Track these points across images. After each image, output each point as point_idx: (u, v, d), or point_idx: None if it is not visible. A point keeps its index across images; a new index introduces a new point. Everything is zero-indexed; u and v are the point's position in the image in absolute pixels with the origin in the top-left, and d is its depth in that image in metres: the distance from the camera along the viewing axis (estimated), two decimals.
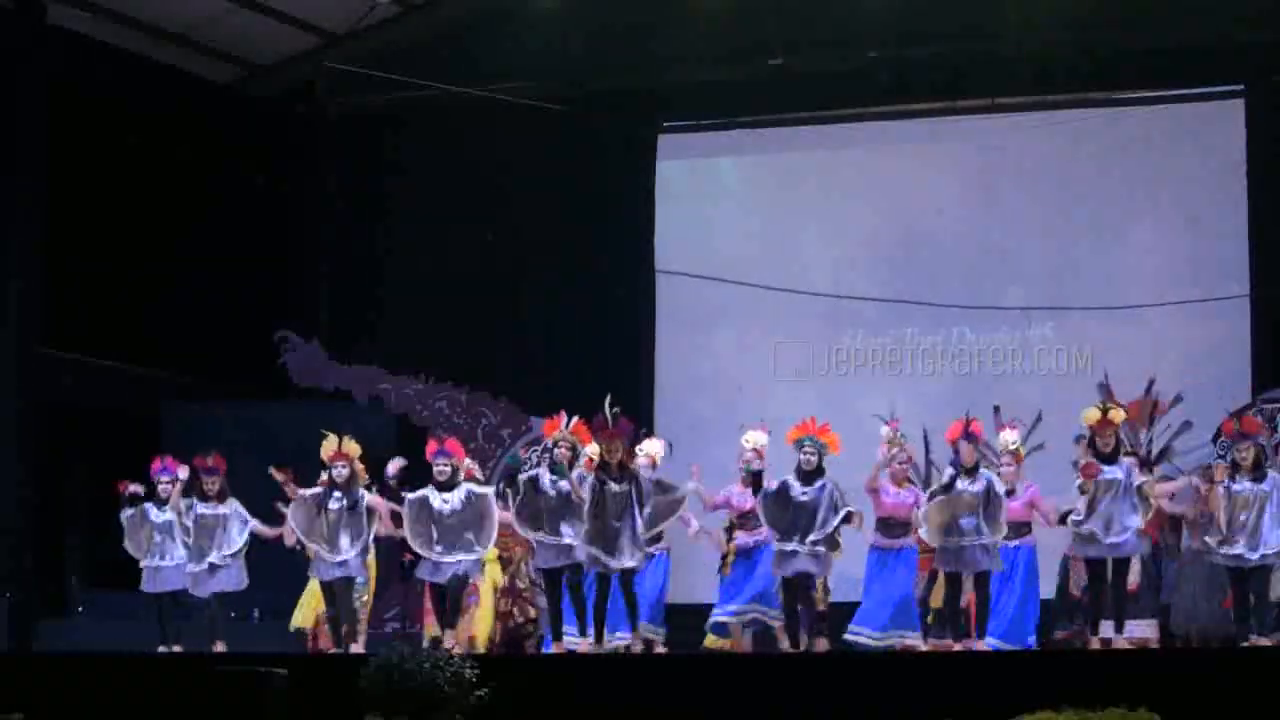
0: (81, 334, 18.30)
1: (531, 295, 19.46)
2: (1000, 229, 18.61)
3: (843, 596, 14.77)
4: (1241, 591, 13.15)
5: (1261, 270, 17.75)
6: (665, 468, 14.39)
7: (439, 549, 13.93)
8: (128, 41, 18.75)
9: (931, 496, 13.42)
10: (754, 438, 14.36)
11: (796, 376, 18.79)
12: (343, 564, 14.18)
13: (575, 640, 13.82)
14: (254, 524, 14.69)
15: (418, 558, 14.20)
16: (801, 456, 13.59)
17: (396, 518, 14.33)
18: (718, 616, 14.38)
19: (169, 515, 14.75)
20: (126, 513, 14.90)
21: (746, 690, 12.48)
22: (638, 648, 13.76)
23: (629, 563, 13.49)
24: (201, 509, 14.60)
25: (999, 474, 13.66)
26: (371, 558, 14.83)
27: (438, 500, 13.95)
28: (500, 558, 15.20)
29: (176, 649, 14.64)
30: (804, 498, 13.47)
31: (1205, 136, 18.11)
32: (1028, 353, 18.36)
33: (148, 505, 14.87)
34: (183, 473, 14.76)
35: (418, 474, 14.44)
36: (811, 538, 13.41)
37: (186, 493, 14.67)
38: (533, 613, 15.44)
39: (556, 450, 13.81)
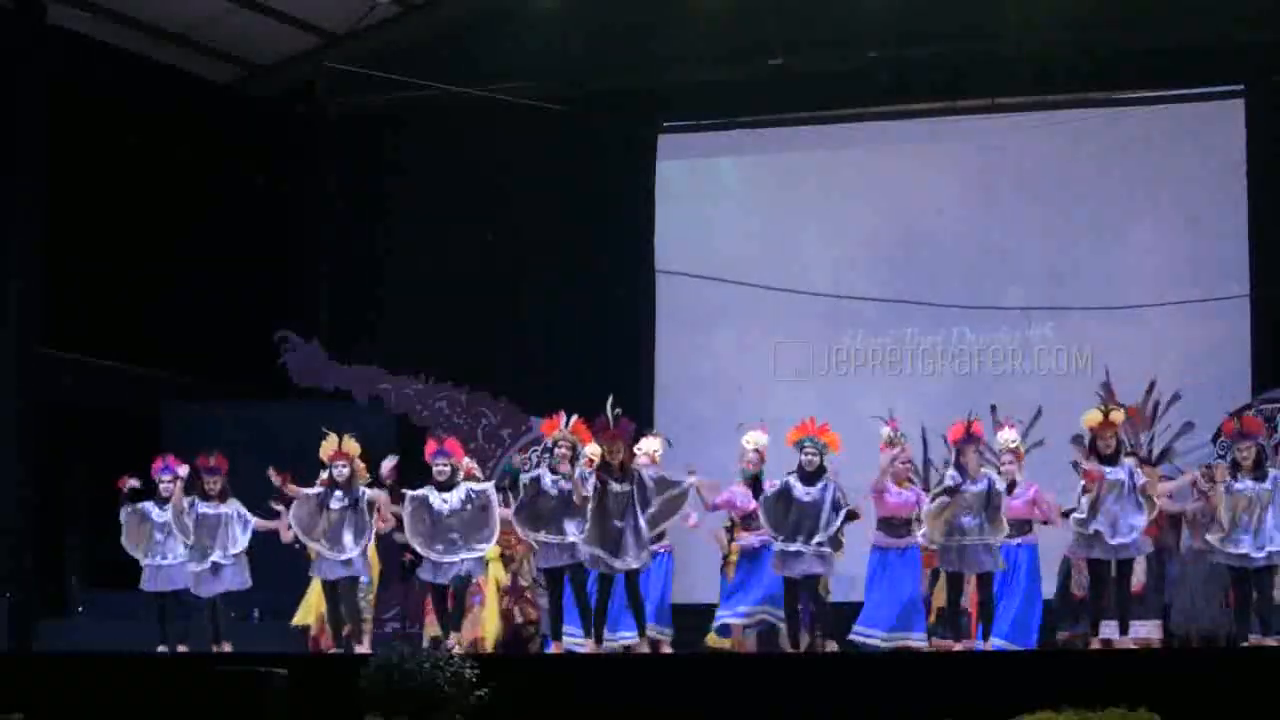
0: (81, 334, 18.30)
1: (531, 295, 19.45)
2: (1000, 229, 18.61)
3: (842, 596, 14.77)
4: (1243, 591, 13.14)
5: (1261, 270, 17.75)
6: (664, 467, 14.37)
7: (439, 549, 13.92)
8: (128, 41, 18.75)
9: (934, 499, 13.38)
10: (754, 438, 14.35)
11: (796, 376, 18.79)
12: (347, 563, 14.18)
13: (578, 641, 13.82)
14: (254, 522, 14.69)
15: (419, 558, 14.19)
16: (803, 457, 13.59)
17: (396, 517, 14.33)
18: (726, 619, 14.33)
19: (170, 514, 14.74)
20: (126, 509, 14.89)
21: (747, 690, 12.47)
22: (644, 648, 13.73)
23: (634, 563, 13.48)
24: (203, 508, 14.59)
25: (1000, 471, 13.64)
26: (374, 556, 14.83)
27: (437, 500, 13.94)
28: (503, 555, 15.19)
29: (182, 649, 14.63)
30: (807, 498, 13.46)
31: (1205, 136, 18.11)
32: (1028, 353, 18.36)
33: (149, 504, 14.86)
34: (183, 472, 14.75)
35: (417, 474, 14.42)
36: (817, 539, 13.40)
37: (187, 492, 14.66)
38: (533, 614, 15.42)
39: (557, 450, 13.79)
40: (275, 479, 14.42)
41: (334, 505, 14.17)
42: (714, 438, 17.09)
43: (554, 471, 13.71)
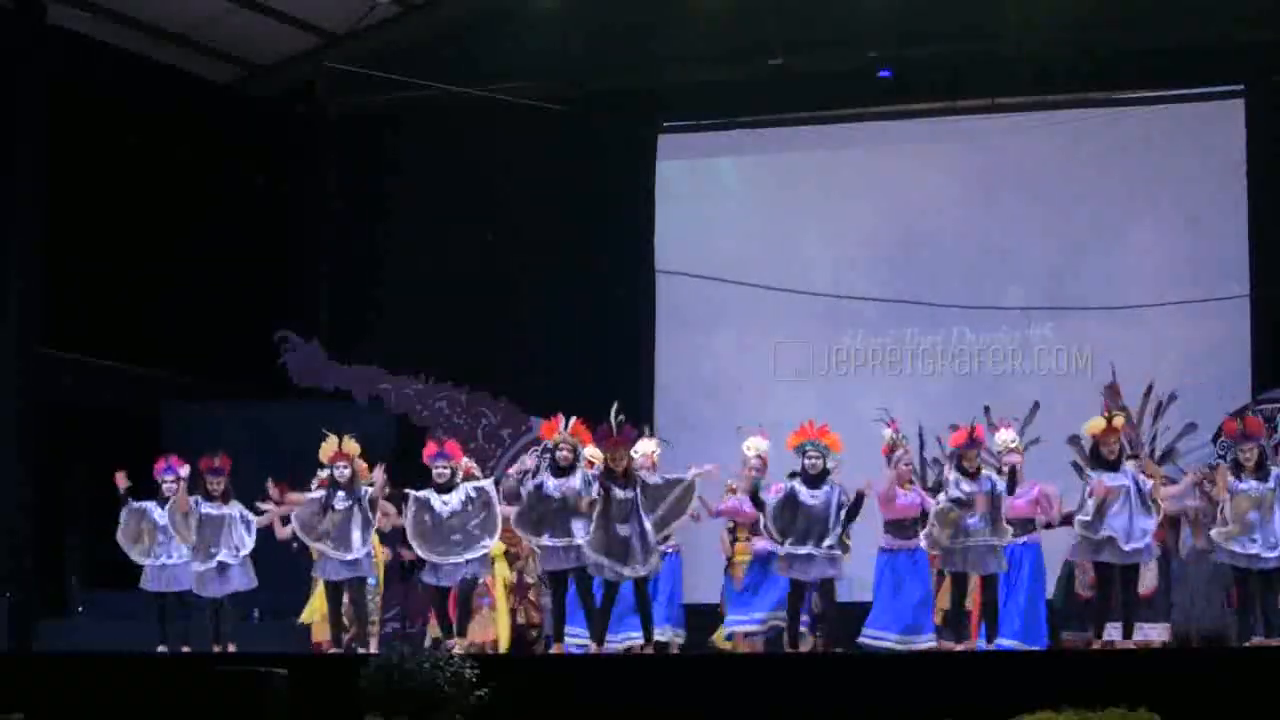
0: (81, 334, 18.31)
1: (531, 295, 19.45)
2: (1000, 229, 18.62)
3: (845, 596, 14.72)
4: (1248, 591, 13.14)
5: (1261, 270, 17.75)
6: (663, 467, 14.36)
7: (441, 551, 13.91)
8: (128, 41, 18.75)
9: (943, 510, 13.35)
10: (755, 444, 14.36)
11: (796, 376, 18.80)
12: (353, 563, 14.18)
13: (581, 641, 13.81)
14: (255, 520, 14.71)
15: (422, 562, 14.19)
16: (806, 461, 13.56)
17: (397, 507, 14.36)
18: (741, 625, 14.29)
19: (168, 515, 14.73)
20: (131, 506, 14.87)
21: (747, 691, 12.47)
22: (648, 650, 13.71)
23: (642, 570, 13.46)
24: (206, 509, 14.59)
25: (1000, 471, 13.62)
26: (380, 557, 14.83)
27: (438, 502, 13.93)
28: (507, 553, 15.15)
29: (185, 649, 14.63)
30: (813, 502, 13.45)
31: (1205, 136, 18.12)
32: (1028, 353, 18.37)
33: (150, 504, 14.86)
34: (184, 472, 14.74)
35: (417, 475, 14.42)
36: (828, 542, 13.40)
37: (190, 492, 14.65)
38: (536, 617, 15.38)
39: (558, 453, 13.78)
40: (273, 493, 14.45)
41: (338, 506, 14.17)
42: (714, 438, 17.11)
43: (556, 474, 13.69)
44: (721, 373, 19.11)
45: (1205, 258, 17.97)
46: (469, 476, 14.28)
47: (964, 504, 13.23)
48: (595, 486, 13.40)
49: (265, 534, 14.75)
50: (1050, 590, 14.51)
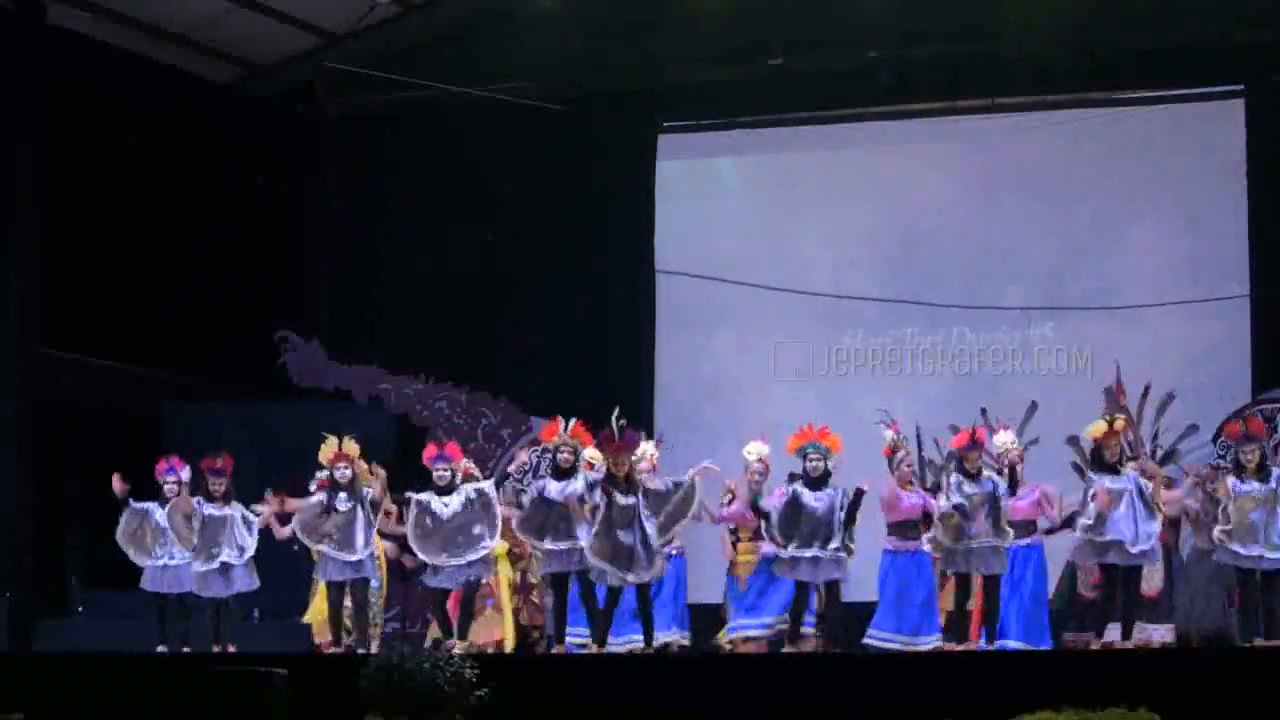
0: (81, 334, 18.30)
1: (531, 295, 19.44)
2: (1000, 229, 18.61)
3: (848, 596, 14.71)
4: (1250, 592, 13.13)
5: (1261, 270, 17.75)
6: (662, 468, 14.35)
7: (443, 554, 13.90)
8: (128, 41, 18.74)
9: (947, 516, 13.35)
10: (756, 449, 14.37)
11: (796, 376, 18.80)
12: (357, 564, 14.18)
13: (582, 641, 13.79)
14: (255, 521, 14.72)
15: (423, 567, 14.18)
16: (807, 464, 13.57)
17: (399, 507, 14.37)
18: (749, 630, 14.29)
19: (167, 517, 14.72)
20: (132, 507, 14.85)
21: (747, 691, 12.48)
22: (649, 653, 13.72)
23: (646, 576, 13.46)
24: (208, 509, 14.58)
25: (1001, 472, 13.62)
26: (382, 557, 14.83)
27: (438, 505, 13.92)
28: (510, 553, 15.13)
29: (185, 650, 14.62)
30: (817, 504, 13.44)
31: (1205, 136, 18.11)
32: (1028, 353, 18.36)
33: (151, 504, 14.85)
34: (185, 474, 14.73)
35: (416, 476, 14.42)
36: (833, 545, 13.39)
37: (191, 493, 14.64)
38: (539, 618, 15.37)
39: (559, 455, 13.77)
40: (273, 503, 14.46)
41: (341, 507, 14.16)
42: (714, 438, 17.13)
43: (557, 477, 13.67)
44: (721, 373, 19.11)
45: (1205, 258, 17.97)
46: (468, 477, 14.28)
47: (966, 514, 13.22)
48: (597, 492, 13.38)
49: (265, 534, 14.74)
50: (1051, 590, 14.51)
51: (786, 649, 13.65)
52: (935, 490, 13.87)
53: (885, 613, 13.75)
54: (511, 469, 15.43)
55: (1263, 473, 13.10)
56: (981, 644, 13.49)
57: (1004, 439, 14.04)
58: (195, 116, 19.26)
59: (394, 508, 14.44)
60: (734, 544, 14.58)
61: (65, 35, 18.02)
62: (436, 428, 18.68)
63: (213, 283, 19.05)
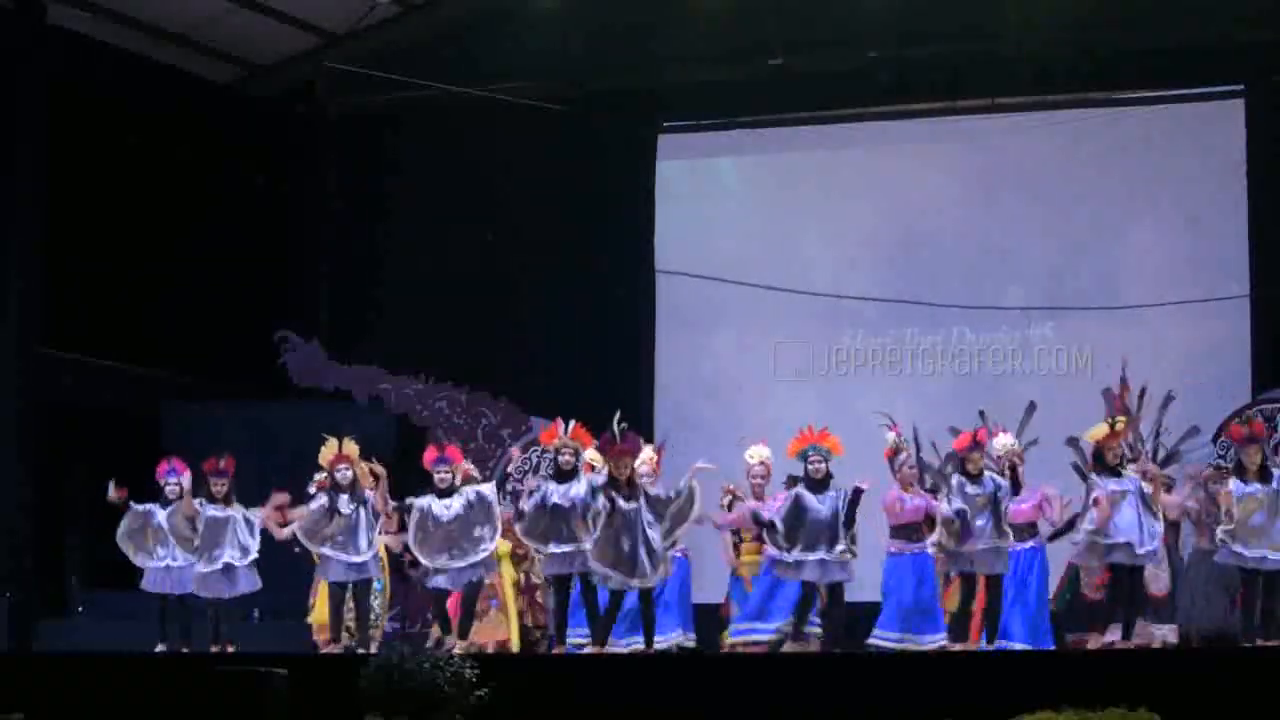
0: (81, 334, 18.30)
1: (531, 295, 19.44)
2: (1000, 229, 18.61)
3: (850, 596, 14.70)
4: (1252, 593, 13.13)
5: (1261, 270, 17.75)
6: (666, 468, 14.34)
7: (444, 557, 13.89)
8: (128, 41, 18.75)
9: (946, 521, 13.35)
10: (757, 452, 14.38)
11: (796, 376, 18.80)
12: (360, 565, 14.18)
13: (583, 642, 13.79)
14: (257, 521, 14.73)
15: (424, 567, 14.18)
16: (809, 467, 13.56)
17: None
18: (760, 634, 14.25)
19: (167, 519, 14.72)
20: (134, 509, 14.84)
21: (747, 690, 12.47)
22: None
23: (650, 581, 13.45)
24: (211, 511, 14.58)
25: (1003, 472, 13.62)
26: (385, 558, 14.82)
27: (440, 507, 13.91)
28: (514, 554, 15.12)
29: (185, 650, 14.62)
30: (820, 507, 13.44)
31: (1205, 136, 18.11)
32: (1028, 353, 18.36)
33: (153, 506, 14.83)
34: (187, 479, 14.71)
35: (416, 476, 14.42)
36: (839, 547, 13.40)
37: (193, 494, 14.63)
38: (542, 619, 15.36)
39: (560, 457, 13.76)
40: (276, 516, 14.49)
41: (344, 509, 14.15)
42: (714, 438, 17.11)
43: (559, 480, 13.66)
44: (721, 373, 19.11)
45: (1205, 258, 17.97)
46: (468, 479, 14.27)
47: (966, 521, 13.22)
48: (600, 497, 13.36)
49: (265, 534, 14.74)
50: (1053, 590, 14.51)
51: (788, 648, 13.64)
52: (934, 492, 13.86)
53: (889, 615, 13.77)
54: (511, 469, 15.40)
55: (1264, 474, 13.10)
56: (982, 644, 13.48)
57: (1002, 442, 14.04)
58: (195, 116, 19.27)
59: (394, 514, 14.41)
60: (737, 545, 14.56)
61: (65, 35, 18.02)
62: (436, 428, 18.67)
63: (213, 283, 19.06)
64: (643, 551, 13.31)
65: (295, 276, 20.21)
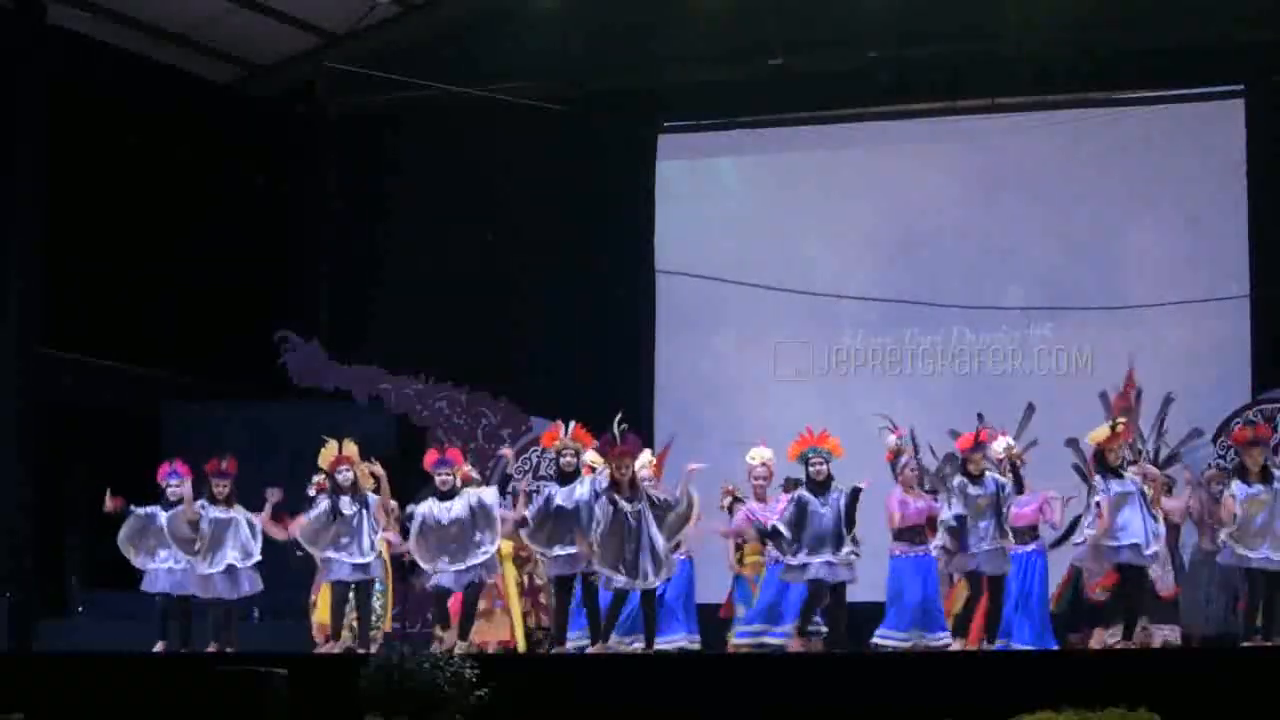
0: (81, 334, 18.30)
1: (531, 295, 19.44)
2: (1000, 229, 18.61)
3: (851, 596, 14.68)
4: (1258, 594, 13.13)
5: (1261, 270, 17.75)
6: (670, 468, 14.34)
7: (445, 560, 13.89)
8: (128, 41, 18.75)
9: (947, 526, 13.37)
10: (759, 454, 14.38)
11: (796, 376, 18.79)
12: (364, 566, 14.17)
13: (584, 644, 13.79)
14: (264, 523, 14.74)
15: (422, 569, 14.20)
16: (811, 469, 13.56)
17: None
18: (774, 637, 14.18)
19: (168, 522, 14.70)
20: (135, 513, 14.82)
21: (747, 690, 12.47)
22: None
23: (654, 582, 13.45)
24: (214, 512, 14.56)
25: (1005, 473, 13.62)
26: (387, 558, 14.82)
27: (441, 510, 13.91)
28: (517, 556, 15.11)
29: (184, 650, 14.61)
30: (824, 509, 13.45)
31: (1205, 136, 18.11)
32: (1027, 353, 18.36)
33: (154, 509, 14.82)
34: (187, 487, 14.68)
35: (416, 477, 14.41)
36: (846, 549, 13.40)
37: (195, 495, 14.63)
38: (546, 619, 15.36)
39: (562, 459, 13.76)
40: (277, 532, 14.50)
41: (347, 510, 14.15)
42: (714, 438, 17.13)
43: (562, 482, 13.65)
44: (721, 373, 19.10)
45: (1205, 258, 17.97)
46: (467, 481, 14.27)
47: (965, 526, 13.22)
48: (603, 500, 13.35)
49: (265, 536, 14.76)
50: (1053, 592, 14.51)
51: (792, 647, 13.62)
52: (935, 494, 13.87)
53: (899, 615, 13.80)
54: (511, 470, 15.39)
55: (1266, 475, 13.10)
56: (983, 644, 13.49)
57: (1001, 444, 14.02)
58: (195, 116, 19.27)
59: (396, 526, 14.41)
60: (740, 546, 14.53)
61: (65, 35, 18.03)
62: (436, 428, 18.67)
63: (213, 283, 19.06)
64: (645, 552, 13.31)
65: (295, 276, 20.21)
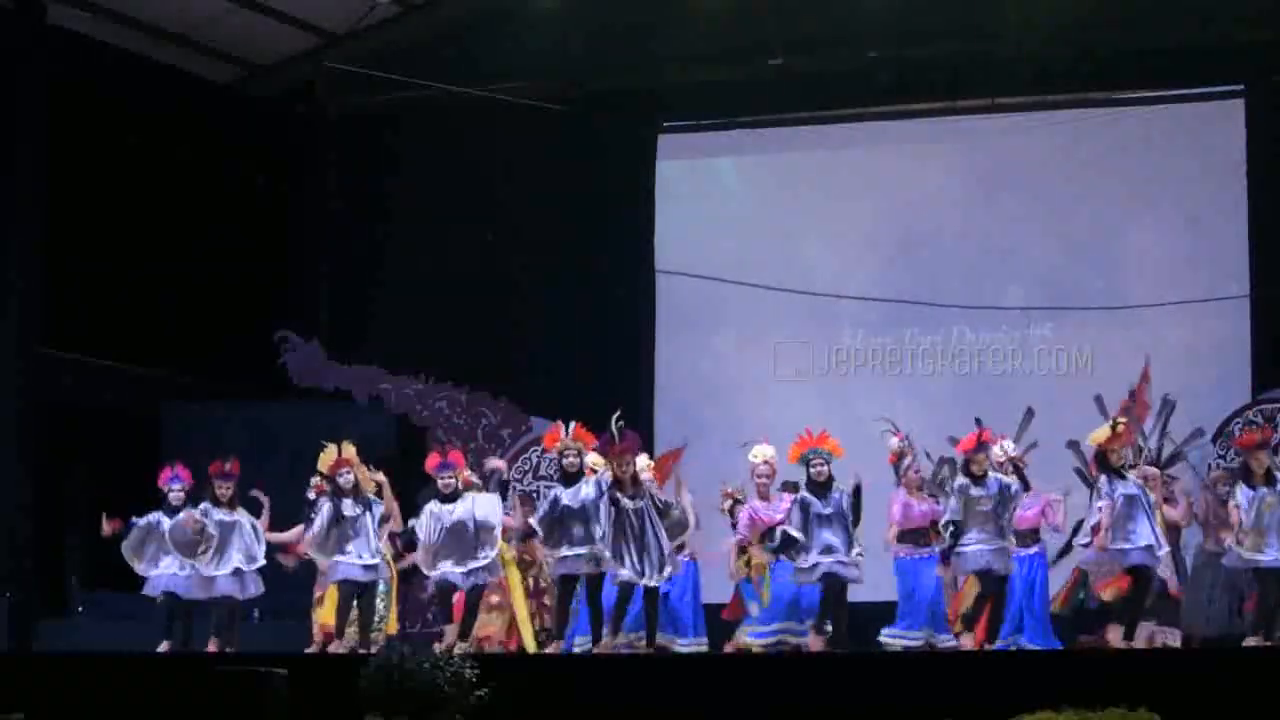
0: (81, 334, 18.30)
1: (531, 295, 19.44)
2: (1000, 229, 18.61)
3: (852, 596, 14.70)
4: (1264, 595, 13.13)
5: (1261, 270, 17.75)
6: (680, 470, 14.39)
7: (447, 563, 13.88)
8: (128, 41, 18.75)
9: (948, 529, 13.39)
10: (762, 452, 14.35)
11: (796, 376, 18.78)
12: (370, 567, 14.17)
13: (586, 646, 13.79)
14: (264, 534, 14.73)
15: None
16: (812, 470, 13.56)
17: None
18: (795, 636, 14.15)
19: (169, 527, 14.69)
20: (136, 523, 14.79)
21: (746, 690, 12.47)
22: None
23: (658, 579, 13.45)
24: (217, 515, 14.55)
25: (1007, 473, 13.62)
26: (390, 558, 14.82)
27: (443, 513, 13.91)
28: (521, 560, 15.11)
29: (184, 650, 14.60)
30: (827, 511, 13.46)
31: (1205, 136, 18.11)
32: (1027, 353, 18.36)
33: (157, 516, 14.79)
34: (188, 490, 14.68)
35: (416, 477, 14.41)
36: (855, 550, 13.41)
37: (196, 500, 14.61)
38: (549, 622, 15.36)
39: (565, 459, 13.76)
40: (291, 562, 14.57)
41: (349, 512, 14.14)
42: (713, 438, 17.13)
43: (566, 483, 13.66)
44: (721, 373, 19.10)
45: (1205, 258, 17.97)
46: (468, 484, 14.27)
47: (961, 530, 13.23)
48: (605, 499, 13.35)
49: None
50: (1053, 593, 14.52)
51: (812, 645, 13.62)
52: (936, 497, 13.89)
53: (913, 614, 13.87)
54: (507, 477, 15.39)
55: (1269, 477, 13.11)
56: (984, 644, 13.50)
57: (1001, 447, 14.01)
58: (195, 116, 19.27)
59: (396, 508, 14.43)
60: (744, 548, 14.50)
61: (65, 35, 18.02)
62: (436, 428, 18.68)
63: (213, 283, 19.06)
64: (650, 550, 13.34)
65: (295, 276, 20.21)
